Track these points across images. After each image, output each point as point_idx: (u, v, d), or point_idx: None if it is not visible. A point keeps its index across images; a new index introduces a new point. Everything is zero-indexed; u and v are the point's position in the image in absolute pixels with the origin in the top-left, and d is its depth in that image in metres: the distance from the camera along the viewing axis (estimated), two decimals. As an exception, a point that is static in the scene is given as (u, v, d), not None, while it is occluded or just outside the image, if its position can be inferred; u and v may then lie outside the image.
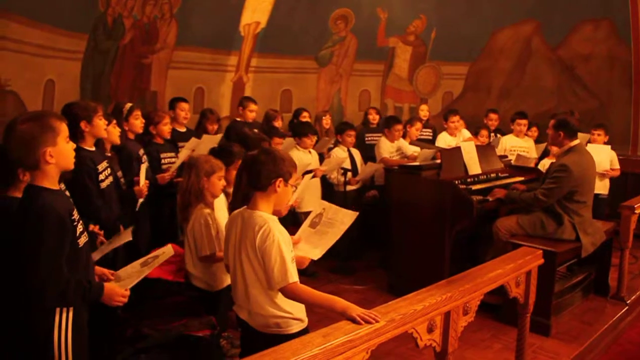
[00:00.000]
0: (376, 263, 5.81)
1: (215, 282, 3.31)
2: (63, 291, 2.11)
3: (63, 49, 5.11)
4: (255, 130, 5.43)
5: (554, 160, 4.74)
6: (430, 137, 7.24)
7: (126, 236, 3.18)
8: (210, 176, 3.33)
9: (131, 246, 3.59)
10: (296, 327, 2.51)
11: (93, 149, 3.49)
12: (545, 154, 6.49)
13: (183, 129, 5.11)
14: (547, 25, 8.37)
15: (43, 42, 4.88)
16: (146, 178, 4.02)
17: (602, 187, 5.98)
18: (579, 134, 4.60)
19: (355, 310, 2.13)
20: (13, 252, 2.14)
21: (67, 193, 3.06)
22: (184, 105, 5.13)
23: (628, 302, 4.74)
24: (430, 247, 4.70)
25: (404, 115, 8.66)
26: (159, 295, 3.25)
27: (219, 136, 4.97)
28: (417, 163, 5.28)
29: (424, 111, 7.67)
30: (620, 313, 4.57)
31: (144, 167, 3.94)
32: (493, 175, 5.27)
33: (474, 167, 5.14)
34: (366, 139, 6.65)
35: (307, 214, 3.09)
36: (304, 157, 5.36)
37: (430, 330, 2.37)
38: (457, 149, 5.18)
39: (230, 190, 2.98)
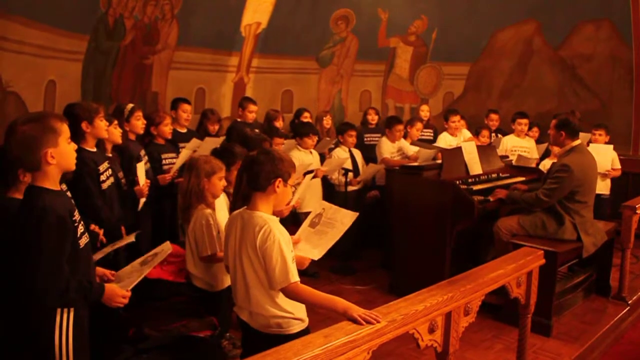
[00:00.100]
0: (377, 263, 5.82)
1: (216, 282, 3.31)
2: (64, 291, 2.12)
3: (64, 49, 5.11)
4: (257, 131, 5.43)
5: (555, 161, 4.73)
6: (431, 138, 7.24)
7: (129, 238, 3.18)
8: (211, 177, 3.33)
9: (132, 247, 3.59)
10: (297, 327, 2.51)
11: (94, 149, 3.50)
12: (546, 155, 6.50)
13: (184, 130, 5.11)
14: (548, 26, 8.36)
15: (44, 43, 4.88)
16: (147, 178, 4.02)
17: (603, 187, 5.98)
18: (580, 134, 4.60)
19: (357, 310, 2.13)
20: (14, 253, 2.14)
21: (69, 194, 3.07)
22: (186, 106, 5.14)
23: (629, 302, 4.74)
24: (431, 247, 4.70)
25: (405, 116, 8.65)
26: (160, 295, 3.25)
27: (221, 138, 4.98)
28: (418, 163, 5.28)
29: (424, 111, 7.67)
30: (622, 313, 4.57)
31: (140, 166, 3.93)
32: (494, 175, 5.27)
33: (475, 167, 5.14)
34: (365, 139, 6.65)
35: (308, 214, 3.09)
36: (305, 157, 5.36)
37: (431, 330, 2.37)
38: (458, 149, 5.18)
39: (232, 190, 2.98)
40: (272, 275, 2.38)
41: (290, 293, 2.37)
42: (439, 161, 5.06)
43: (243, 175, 2.55)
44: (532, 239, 4.27)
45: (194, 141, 4.61)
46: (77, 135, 3.21)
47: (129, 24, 5.64)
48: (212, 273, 3.29)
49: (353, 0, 7.82)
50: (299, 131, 5.56)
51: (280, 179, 2.51)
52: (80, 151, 2.55)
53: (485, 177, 5.17)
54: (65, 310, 2.23)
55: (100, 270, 2.63)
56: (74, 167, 2.32)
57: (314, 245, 2.83)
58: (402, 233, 4.98)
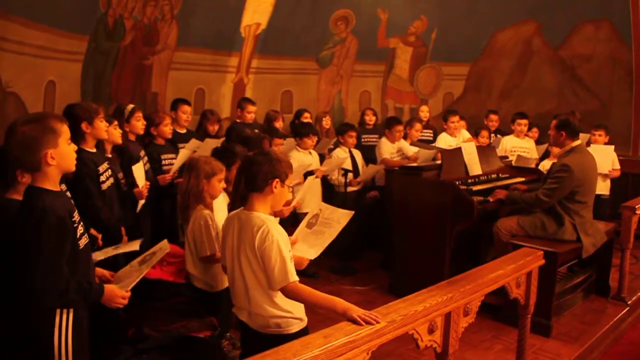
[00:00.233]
0: (377, 264, 5.82)
1: (216, 282, 3.31)
2: (63, 292, 2.12)
3: (64, 50, 5.11)
4: (256, 131, 5.43)
5: (555, 161, 4.74)
6: (431, 138, 7.24)
7: (133, 246, 3.17)
8: (211, 178, 3.33)
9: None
10: (296, 327, 2.52)
11: (94, 150, 3.50)
12: (546, 155, 6.50)
13: (183, 130, 5.11)
14: (548, 26, 8.36)
15: (44, 44, 4.88)
16: (147, 178, 4.02)
17: (603, 188, 5.98)
18: (580, 134, 4.60)
19: (356, 311, 2.14)
20: (13, 253, 2.14)
21: (69, 194, 3.07)
22: (186, 108, 5.14)
23: (629, 302, 4.74)
24: (430, 247, 4.70)
25: (405, 116, 8.65)
26: (160, 296, 3.25)
27: (221, 139, 4.98)
28: (417, 164, 5.29)
29: (424, 112, 7.68)
30: (621, 314, 4.57)
31: (136, 168, 3.92)
32: (494, 176, 5.27)
33: (475, 167, 5.14)
34: (362, 140, 6.64)
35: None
36: (304, 158, 5.36)
37: (430, 331, 2.37)
38: (458, 150, 5.18)
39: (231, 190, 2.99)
40: (271, 275, 2.38)
41: (290, 292, 2.38)
42: (439, 162, 5.06)
43: (241, 176, 2.55)
44: (532, 240, 4.27)
45: (193, 141, 4.61)
46: (76, 136, 3.21)
47: (129, 24, 5.64)
48: (212, 273, 3.29)
49: (353, 0, 7.82)
50: (298, 131, 5.56)
51: (277, 180, 2.51)
52: (79, 152, 2.55)
53: (485, 177, 5.17)
54: (65, 310, 2.23)
55: (99, 271, 2.63)
56: (74, 168, 2.32)
57: (310, 245, 2.84)
58: (402, 233, 4.98)
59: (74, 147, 2.30)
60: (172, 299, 3.24)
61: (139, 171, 3.93)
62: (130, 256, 3.02)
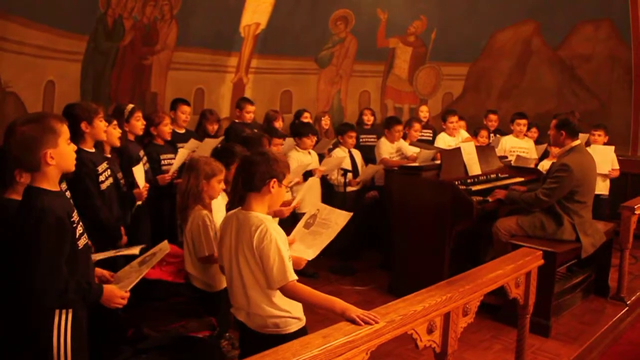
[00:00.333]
0: (376, 264, 5.82)
1: (215, 282, 3.31)
2: (62, 292, 2.12)
3: (63, 50, 5.11)
4: (255, 130, 5.43)
5: (554, 161, 4.74)
6: (431, 138, 7.24)
7: (133, 250, 3.17)
8: (210, 179, 3.33)
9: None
10: (294, 327, 2.52)
11: (93, 150, 3.50)
12: (545, 155, 6.50)
13: (182, 130, 5.12)
14: (547, 26, 8.37)
15: (43, 43, 4.88)
16: (146, 179, 4.02)
17: (603, 188, 5.98)
18: (579, 134, 4.60)
19: (355, 311, 2.14)
20: (13, 254, 2.14)
21: (69, 193, 3.08)
22: (185, 108, 5.14)
23: (628, 302, 4.74)
24: (430, 247, 4.70)
25: (404, 116, 8.65)
26: (159, 296, 3.25)
27: (220, 139, 4.98)
28: (417, 164, 5.29)
29: (424, 112, 7.68)
30: (620, 314, 4.57)
31: (137, 170, 3.92)
32: (493, 176, 5.27)
33: (474, 167, 5.14)
34: (360, 140, 6.64)
35: (307, 215, 3.10)
36: (303, 158, 5.36)
37: (430, 331, 2.37)
38: (457, 150, 5.18)
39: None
40: (270, 275, 2.38)
41: (289, 292, 2.38)
42: (438, 162, 5.06)
43: (239, 176, 2.56)
44: (531, 240, 4.27)
45: (192, 141, 4.61)
46: (76, 136, 3.21)
47: (128, 24, 5.63)
48: (211, 273, 3.30)
49: (352, 0, 7.82)
50: (297, 131, 5.56)
51: (275, 180, 2.51)
52: (79, 152, 2.55)
53: (484, 177, 5.17)
54: (64, 311, 2.23)
55: (99, 271, 2.63)
56: (73, 168, 2.32)
57: (308, 246, 2.84)
58: (401, 233, 4.98)
59: (73, 147, 2.29)
60: (171, 299, 3.24)
61: (139, 172, 3.93)
62: (130, 256, 3.02)
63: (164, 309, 3.15)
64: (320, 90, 8.27)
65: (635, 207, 4.76)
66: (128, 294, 2.39)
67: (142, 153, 4.29)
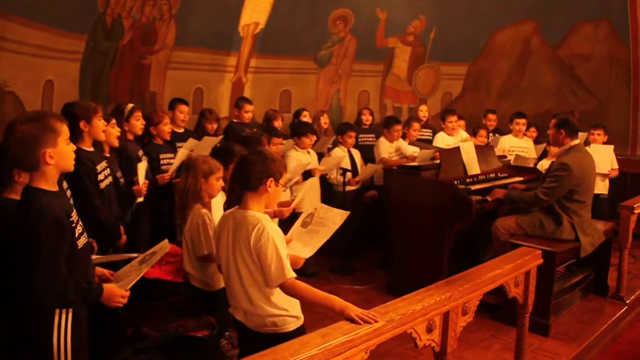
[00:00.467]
0: (375, 263, 5.82)
1: (214, 282, 3.30)
2: (62, 292, 2.12)
3: (62, 49, 5.10)
4: (254, 130, 5.43)
5: (553, 160, 4.74)
6: (430, 137, 7.23)
7: (131, 255, 3.18)
8: (208, 177, 3.33)
9: (131, 248, 3.60)
10: (293, 325, 2.52)
11: (91, 149, 3.50)
12: (544, 155, 6.50)
13: (181, 130, 5.11)
14: (547, 25, 8.37)
15: (42, 43, 4.88)
16: (146, 178, 4.02)
17: (602, 187, 5.99)
18: (578, 133, 4.61)
19: (354, 310, 2.13)
20: (12, 254, 2.14)
21: (69, 192, 3.07)
22: (184, 107, 5.14)
23: (627, 302, 4.75)
24: (429, 247, 4.70)
25: (403, 116, 8.65)
26: (159, 295, 3.25)
27: (219, 137, 4.98)
28: (416, 163, 5.29)
29: (423, 111, 7.67)
30: (620, 313, 4.58)
31: (141, 166, 3.94)
32: (492, 175, 5.27)
33: (473, 167, 5.15)
34: (359, 139, 6.63)
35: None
36: (302, 157, 5.35)
37: (429, 330, 2.37)
38: (456, 149, 5.19)
39: (229, 188, 2.99)
40: (268, 273, 2.38)
41: (288, 289, 2.38)
42: (437, 161, 5.06)
43: (236, 175, 2.56)
44: (530, 239, 4.27)
45: (191, 141, 4.61)
46: (74, 135, 3.20)
47: (127, 23, 5.63)
48: (210, 273, 3.29)
49: (352, 0, 7.82)
50: (297, 131, 5.55)
51: (271, 179, 2.52)
52: (77, 151, 2.54)
53: (484, 177, 5.17)
54: (64, 310, 2.22)
55: (99, 270, 2.63)
56: (72, 168, 2.31)
57: (305, 244, 2.84)
58: (401, 233, 4.98)
59: (72, 147, 2.29)
60: (170, 299, 3.24)
61: (142, 169, 3.94)
62: (132, 258, 3.02)
63: (163, 308, 3.15)
64: (320, 90, 8.27)
65: (634, 206, 4.77)
66: (128, 293, 2.39)
67: (140, 153, 4.29)
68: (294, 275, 2.39)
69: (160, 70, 6.18)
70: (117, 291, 2.35)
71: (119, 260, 3.13)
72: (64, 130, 2.22)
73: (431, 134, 7.33)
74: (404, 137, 6.36)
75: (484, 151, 5.43)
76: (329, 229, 2.87)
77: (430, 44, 8.91)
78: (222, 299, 3.24)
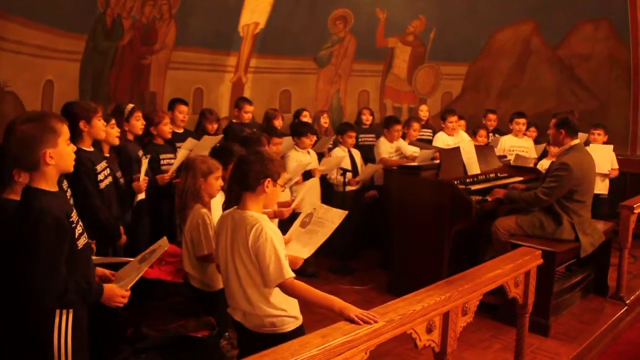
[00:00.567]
0: (375, 263, 5.82)
1: (213, 282, 3.30)
2: (62, 293, 2.12)
3: (62, 49, 5.10)
4: (254, 130, 5.42)
5: (553, 160, 4.74)
6: (430, 137, 7.23)
7: (127, 259, 3.18)
8: (207, 177, 3.33)
9: (131, 248, 3.60)
10: (291, 325, 2.52)
11: (91, 149, 3.49)
12: (544, 155, 6.50)
13: (180, 130, 5.11)
14: (547, 26, 8.38)
15: (42, 43, 4.87)
16: (146, 175, 4.02)
17: (602, 187, 5.99)
18: (578, 133, 4.61)
19: (354, 310, 2.13)
20: (12, 254, 2.14)
21: (69, 192, 3.07)
22: (183, 107, 5.14)
23: (627, 302, 4.75)
24: (429, 247, 4.70)
25: (403, 116, 8.65)
26: (158, 295, 3.25)
27: (219, 137, 4.98)
28: (416, 163, 5.29)
29: (423, 111, 7.68)
30: (619, 313, 4.58)
31: (145, 162, 3.93)
32: (492, 175, 5.27)
33: (473, 167, 5.15)
34: (359, 139, 6.63)
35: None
36: (302, 157, 5.35)
37: (429, 330, 2.37)
38: (456, 149, 5.18)
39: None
40: (267, 273, 2.38)
41: (287, 289, 2.38)
42: (437, 161, 5.06)
43: (234, 175, 2.56)
44: (530, 239, 4.27)
45: (190, 141, 4.61)
46: (74, 135, 3.20)
47: (127, 24, 5.63)
48: (209, 273, 3.29)
49: (352, 0, 7.82)
50: (297, 131, 5.55)
51: (269, 179, 2.52)
52: (77, 151, 2.54)
53: (484, 177, 5.17)
54: (64, 311, 2.22)
55: (100, 270, 2.63)
56: (72, 169, 2.31)
57: (304, 244, 2.85)
58: (401, 233, 4.98)
59: (73, 147, 2.29)
60: (170, 299, 3.24)
61: (144, 166, 3.94)
62: (130, 256, 3.02)
63: (163, 309, 3.15)
64: (319, 90, 8.27)
65: (634, 206, 4.77)
66: (129, 293, 2.39)
67: (140, 153, 4.29)
68: (293, 275, 2.39)
69: (160, 70, 6.18)
70: (118, 291, 2.35)
71: (116, 262, 3.14)
72: (65, 130, 2.22)
73: (431, 134, 7.33)
74: (404, 137, 6.36)
75: (484, 151, 5.43)
76: (327, 228, 2.87)
77: (430, 44, 8.91)
78: (221, 299, 3.23)
